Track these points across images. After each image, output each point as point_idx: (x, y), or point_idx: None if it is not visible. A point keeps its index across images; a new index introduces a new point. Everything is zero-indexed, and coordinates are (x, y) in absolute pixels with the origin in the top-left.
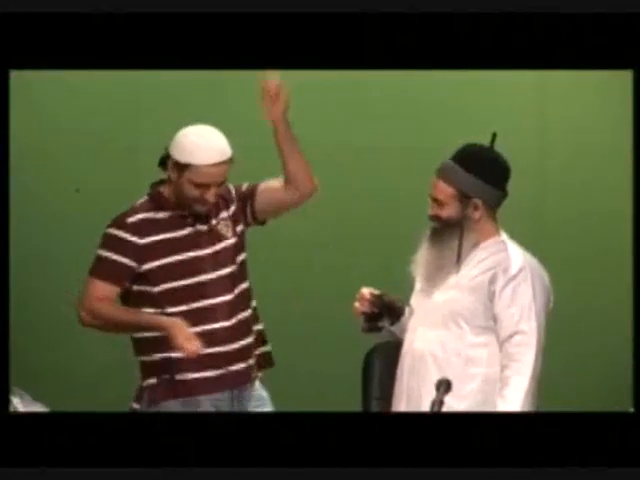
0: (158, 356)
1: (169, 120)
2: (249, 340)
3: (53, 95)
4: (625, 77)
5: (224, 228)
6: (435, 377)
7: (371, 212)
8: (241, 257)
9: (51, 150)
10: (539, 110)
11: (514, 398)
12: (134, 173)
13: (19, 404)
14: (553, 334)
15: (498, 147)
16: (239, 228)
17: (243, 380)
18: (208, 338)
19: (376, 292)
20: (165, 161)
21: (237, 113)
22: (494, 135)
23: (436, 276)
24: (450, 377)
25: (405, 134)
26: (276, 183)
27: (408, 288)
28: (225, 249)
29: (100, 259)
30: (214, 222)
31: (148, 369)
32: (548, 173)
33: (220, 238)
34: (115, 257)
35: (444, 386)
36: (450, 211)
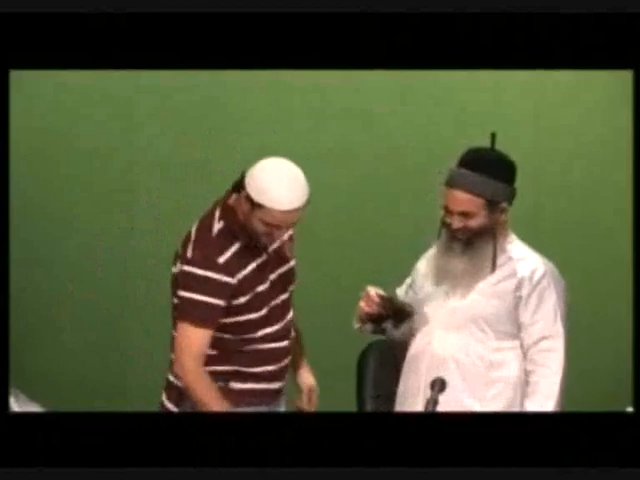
0: (219, 368)
1: (169, 120)
2: (287, 362)
3: (53, 95)
4: (625, 77)
5: (288, 249)
6: (457, 381)
7: (370, 212)
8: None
9: (51, 150)
10: (538, 111)
11: (547, 406)
12: (134, 172)
13: (14, 404)
14: None
15: (497, 146)
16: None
17: (277, 399)
18: (265, 356)
19: (383, 293)
20: (239, 186)
21: (237, 113)
22: (494, 135)
23: (467, 284)
24: (473, 381)
25: (405, 134)
26: None
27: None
28: (290, 270)
29: (193, 303)
30: (279, 243)
31: None
32: (547, 174)
33: (287, 260)
34: (210, 300)
35: (438, 385)
36: (480, 220)
